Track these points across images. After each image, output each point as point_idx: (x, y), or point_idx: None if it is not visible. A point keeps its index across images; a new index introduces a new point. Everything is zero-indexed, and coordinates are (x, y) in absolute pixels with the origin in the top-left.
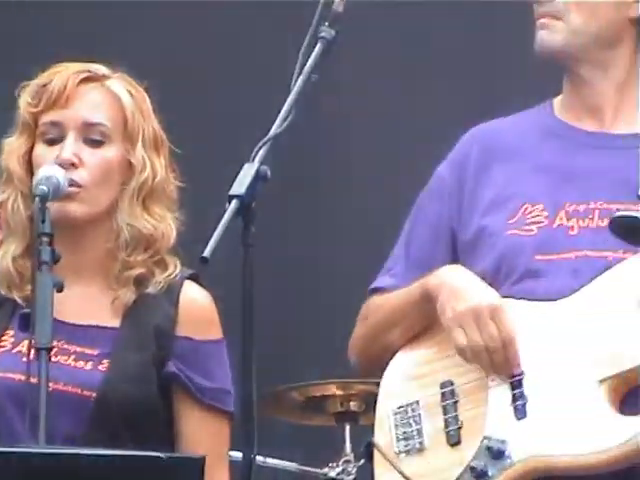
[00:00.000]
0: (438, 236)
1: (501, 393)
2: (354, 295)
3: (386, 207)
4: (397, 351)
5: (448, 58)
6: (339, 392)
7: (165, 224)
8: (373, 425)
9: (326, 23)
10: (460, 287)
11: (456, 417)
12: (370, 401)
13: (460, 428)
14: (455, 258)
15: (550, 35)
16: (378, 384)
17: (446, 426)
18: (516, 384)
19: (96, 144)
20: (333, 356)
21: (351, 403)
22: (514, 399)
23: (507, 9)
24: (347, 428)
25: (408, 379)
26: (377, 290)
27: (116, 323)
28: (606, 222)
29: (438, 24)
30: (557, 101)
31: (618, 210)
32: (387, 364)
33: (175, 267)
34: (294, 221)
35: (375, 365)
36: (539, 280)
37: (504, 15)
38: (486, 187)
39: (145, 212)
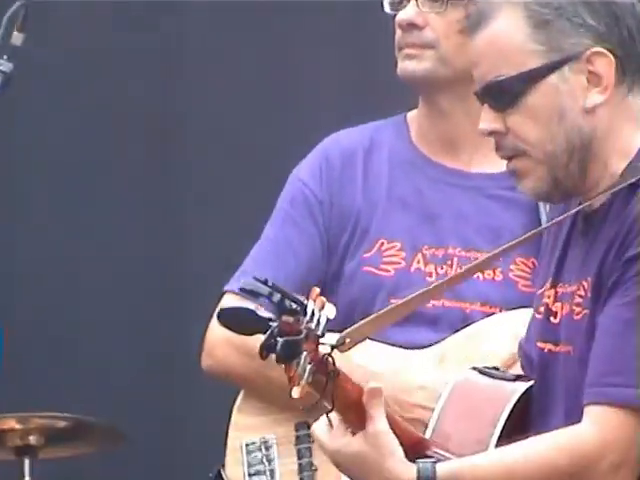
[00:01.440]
0: (316, 256)
1: None
2: None
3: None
4: None
5: None
6: (18, 426)
7: None
8: (57, 459)
9: (5, 56)
10: None
11: (310, 463)
12: (50, 435)
13: (315, 471)
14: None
15: (418, 64)
16: (58, 418)
17: (300, 471)
18: None
19: None
20: (15, 387)
21: (30, 437)
22: None
23: None
24: (26, 462)
25: (262, 412)
26: None
27: None
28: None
29: None
30: (413, 125)
31: (475, 259)
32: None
33: None
34: None
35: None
36: (395, 326)
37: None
38: (347, 212)
39: None
